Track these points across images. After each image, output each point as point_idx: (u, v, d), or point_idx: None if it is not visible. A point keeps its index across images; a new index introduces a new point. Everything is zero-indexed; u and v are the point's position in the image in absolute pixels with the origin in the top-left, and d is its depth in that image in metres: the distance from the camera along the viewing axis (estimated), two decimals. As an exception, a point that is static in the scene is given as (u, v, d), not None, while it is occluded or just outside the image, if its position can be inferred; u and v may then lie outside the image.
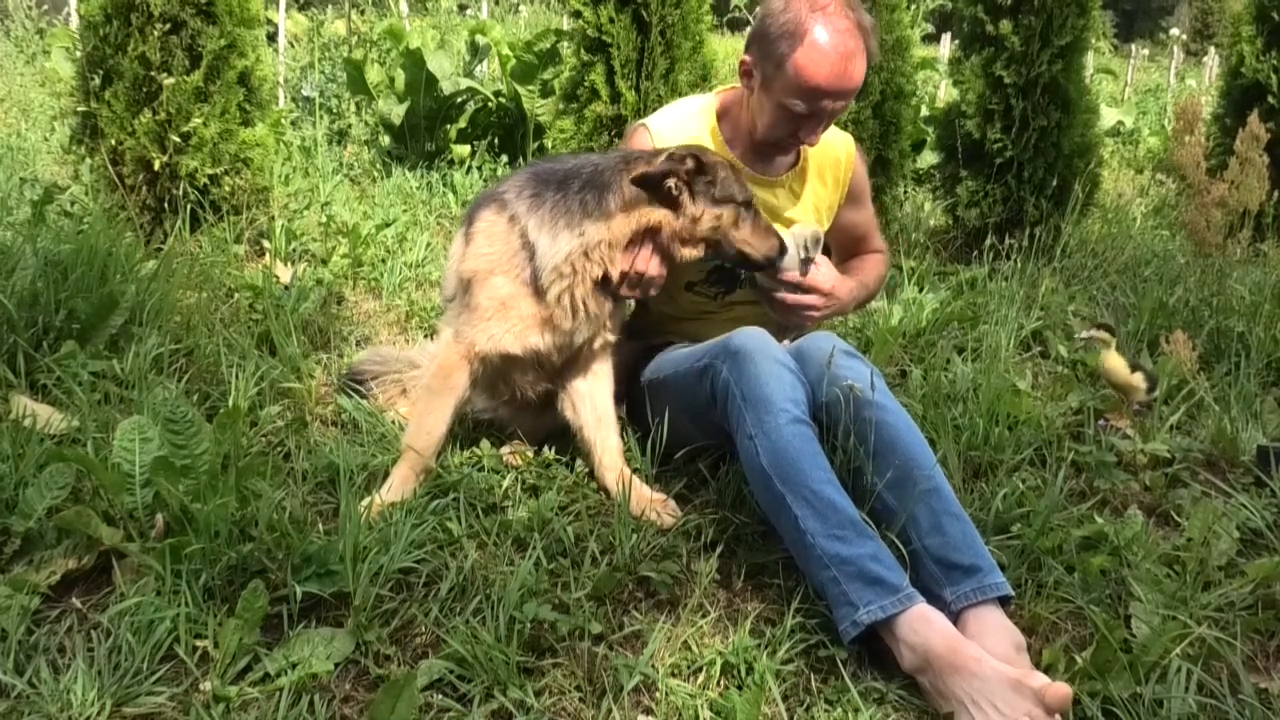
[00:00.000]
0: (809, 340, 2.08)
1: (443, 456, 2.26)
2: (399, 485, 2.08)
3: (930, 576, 1.75)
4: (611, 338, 2.24)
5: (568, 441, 2.34)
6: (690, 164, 2.06)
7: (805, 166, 2.42)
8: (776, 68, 2.15)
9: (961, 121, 4.52)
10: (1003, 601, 1.73)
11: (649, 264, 2.10)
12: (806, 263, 2.26)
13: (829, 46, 2.09)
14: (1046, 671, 1.63)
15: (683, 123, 2.37)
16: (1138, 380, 2.70)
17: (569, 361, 2.24)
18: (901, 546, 1.77)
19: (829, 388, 1.92)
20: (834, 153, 2.46)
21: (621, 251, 2.08)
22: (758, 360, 1.92)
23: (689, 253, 2.13)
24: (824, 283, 2.28)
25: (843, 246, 2.65)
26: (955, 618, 1.69)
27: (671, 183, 2.06)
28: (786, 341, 2.21)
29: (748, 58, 2.24)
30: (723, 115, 2.38)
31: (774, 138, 2.28)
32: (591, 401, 2.23)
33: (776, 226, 2.28)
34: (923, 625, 1.63)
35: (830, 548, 1.72)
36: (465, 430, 2.42)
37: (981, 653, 1.58)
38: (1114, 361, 2.72)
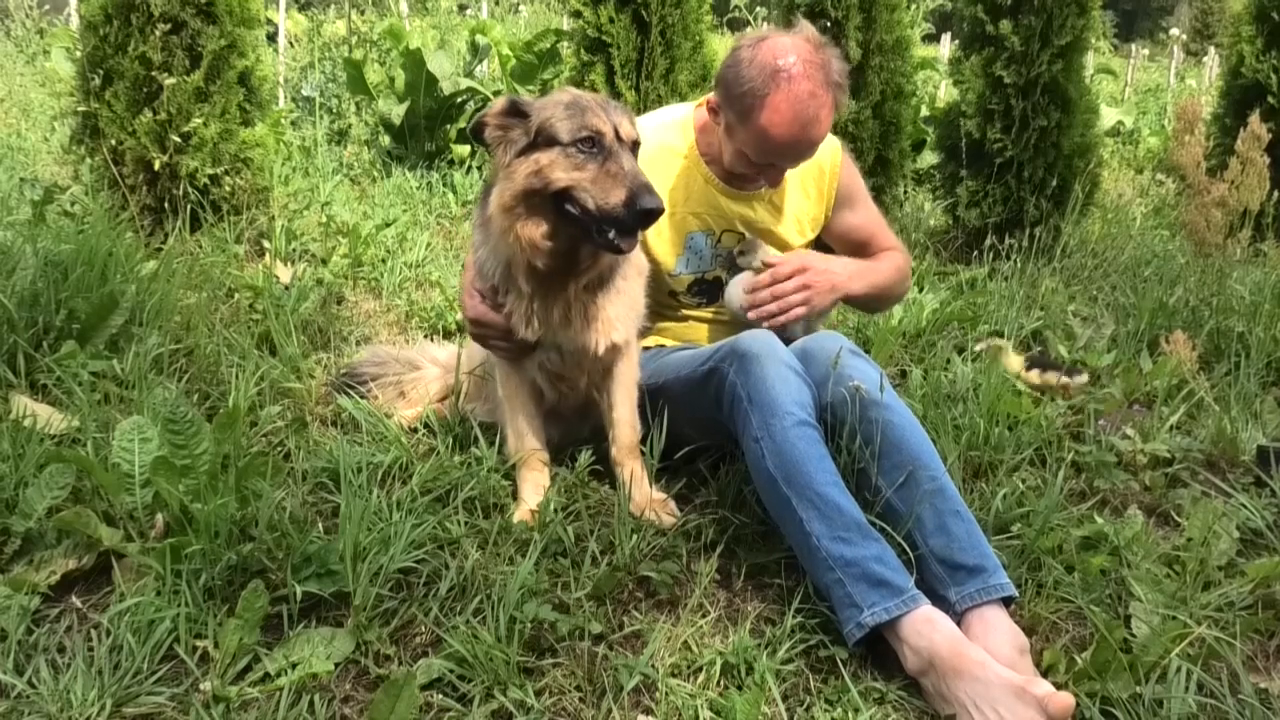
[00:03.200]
0: (815, 340, 2.08)
1: (442, 456, 2.26)
2: (532, 491, 2.12)
3: (935, 577, 1.76)
4: (619, 339, 2.15)
5: (566, 446, 2.34)
6: (500, 106, 1.93)
7: (786, 179, 2.38)
8: (739, 120, 2.12)
9: (961, 121, 4.52)
10: (1006, 602, 1.73)
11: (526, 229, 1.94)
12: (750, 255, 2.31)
13: (789, 114, 2.05)
14: (1046, 673, 1.64)
15: (659, 130, 2.33)
16: (1051, 378, 2.82)
17: (589, 365, 2.20)
18: (908, 549, 1.77)
19: (834, 388, 1.92)
20: (817, 162, 2.38)
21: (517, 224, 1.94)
22: (764, 363, 1.92)
23: (528, 228, 1.92)
24: (795, 260, 2.26)
25: (848, 252, 2.58)
26: (959, 618, 1.69)
27: (487, 134, 1.93)
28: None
29: (714, 98, 2.21)
30: (702, 129, 2.35)
31: (736, 172, 2.27)
32: (608, 399, 2.22)
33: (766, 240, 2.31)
34: (927, 627, 1.63)
35: (835, 550, 1.72)
36: (465, 430, 2.42)
37: (985, 657, 1.58)
38: (1012, 363, 2.86)
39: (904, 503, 1.81)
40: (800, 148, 2.13)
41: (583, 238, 1.94)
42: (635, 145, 1.94)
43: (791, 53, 2.06)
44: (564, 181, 1.87)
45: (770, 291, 2.23)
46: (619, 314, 2.13)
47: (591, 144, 1.87)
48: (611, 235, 1.87)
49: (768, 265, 2.27)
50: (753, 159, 2.17)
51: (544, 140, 1.89)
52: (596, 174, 1.86)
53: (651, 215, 1.84)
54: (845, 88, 2.14)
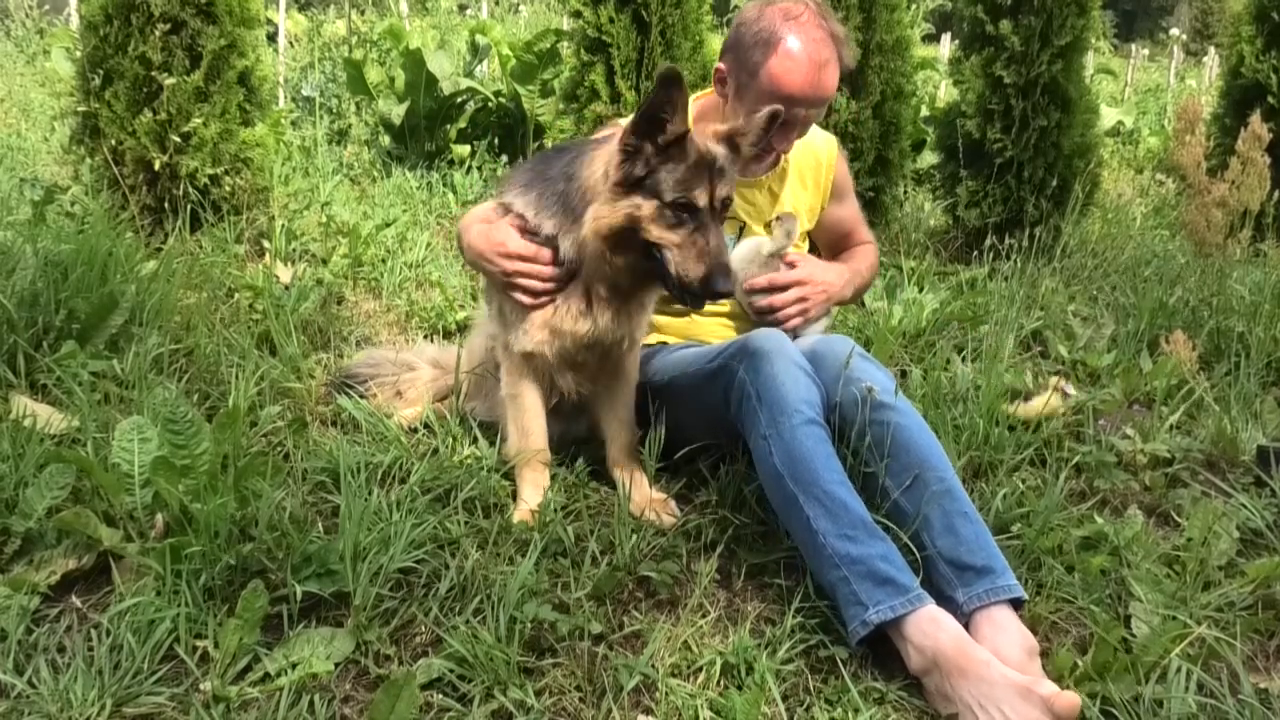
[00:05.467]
0: (825, 343, 2.10)
1: (442, 456, 2.26)
2: (532, 491, 2.11)
3: (942, 578, 1.75)
4: (638, 336, 2.18)
5: (565, 443, 2.35)
6: (676, 130, 1.88)
7: (785, 168, 2.44)
8: (750, 76, 2.18)
9: (961, 121, 4.52)
10: (1015, 604, 1.72)
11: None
12: (774, 258, 2.33)
13: (802, 55, 2.14)
14: (1058, 678, 1.63)
15: None
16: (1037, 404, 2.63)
17: (603, 360, 2.20)
18: (915, 551, 1.77)
19: (844, 390, 1.93)
20: (814, 154, 2.48)
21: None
22: (774, 361, 1.93)
23: (618, 257, 1.97)
24: (801, 273, 2.32)
25: (830, 243, 2.68)
26: (967, 619, 1.69)
27: (624, 140, 1.92)
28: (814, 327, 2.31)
29: (722, 65, 2.26)
30: (699, 120, 2.36)
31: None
32: (610, 399, 2.23)
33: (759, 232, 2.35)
34: (932, 627, 1.63)
35: (841, 547, 1.72)
36: (465, 431, 2.42)
37: (990, 657, 1.58)
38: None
39: (911, 504, 1.82)
40: (815, 92, 2.18)
41: (652, 278, 2.02)
42: (727, 204, 1.98)
43: (798, 6, 2.17)
44: (654, 237, 1.92)
45: (769, 301, 2.32)
46: (641, 316, 2.17)
47: (686, 210, 1.91)
48: (680, 298, 1.96)
49: (782, 260, 2.34)
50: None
51: (650, 186, 1.91)
52: (684, 241, 1.91)
53: (720, 297, 1.94)
54: (848, 47, 2.23)
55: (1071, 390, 2.62)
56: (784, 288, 2.32)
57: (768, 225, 2.38)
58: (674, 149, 1.90)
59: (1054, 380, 2.66)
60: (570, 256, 2.04)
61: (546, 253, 2.06)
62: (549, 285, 2.07)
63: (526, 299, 2.09)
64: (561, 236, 2.04)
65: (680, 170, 1.90)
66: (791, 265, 2.36)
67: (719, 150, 1.95)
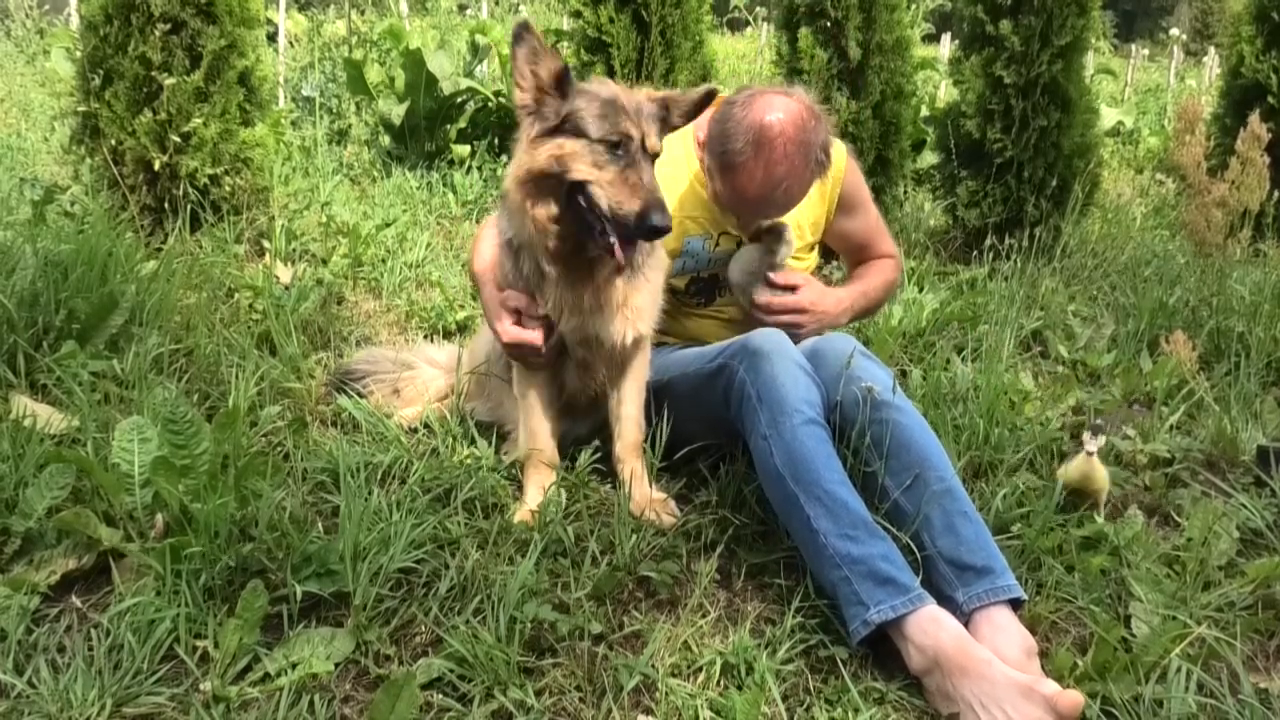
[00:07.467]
0: (826, 341, 2.09)
1: (442, 456, 2.26)
2: (535, 492, 2.12)
3: (942, 578, 1.75)
4: (644, 330, 2.16)
5: (568, 443, 2.34)
6: (554, 71, 1.90)
7: None
8: (717, 170, 2.17)
9: (961, 121, 4.52)
10: (1015, 604, 1.72)
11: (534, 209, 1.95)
12: (768, 263, 2.29)
13: (763, 180, 2.09)
14: (1058, 678, 1.63)
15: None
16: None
17: (610, 357, 2.19)
18: (915, 551, 1.77)
19: (845, 389, 1.92)
20: None
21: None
22: (774, 361, 1.93)
23: (538, 207, 1.93)
24: (801, 299, 2.29)
25: (847, 254, 2.64)
26: (967, 619, 1.69)
27: (521, 97, 1.92)
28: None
29: (701, 136, 2.26)
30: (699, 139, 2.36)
31: (717, 204, 2.31)
32: (619, 394, 2.23)
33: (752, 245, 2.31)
34: (933, 626, 1.63)
35: (842, 547, 1.72)
36: (465, 431, 2.42)
37: (991, 656, 1.58)
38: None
39: (912, 503, 1.82)
40: (769, 212, 2.21)
41: (582, 232, 1.95)
42: (655, 157, 1.95)
43: (779, 122, 2.07)
44: (583, 175, 1.88)
45: (767, 319, 2.29)
46: (645, 304, 2.14)
47: (617, 147, 1.88)
48: (613, 239, 1.89)
49: (776, 284, 2.30)
50: (723, 204, 2.25)
51: (571, 128, 1.89)
52: (616, 177, 1.87)
53: (658, 233, 1.87)
54: (827, 163, 2.17)
55: (1094, 448, 2.18)
56: (780, 312, 2.28)
57: (756, 236, 2.34)
58: (571, 90, 1.91)
59: (1085, 441, 2.20)
60: (514, 241, 2.06)
61: (529, 335, 2.10)
62: (539, 347, 2.11)
63: (537, 369, 2.18)
64: (510, 235, 2.08)
65: (597, 106, 1.89)
66: (793, 288, 2.30)
67: (638, 98, 1.95)
